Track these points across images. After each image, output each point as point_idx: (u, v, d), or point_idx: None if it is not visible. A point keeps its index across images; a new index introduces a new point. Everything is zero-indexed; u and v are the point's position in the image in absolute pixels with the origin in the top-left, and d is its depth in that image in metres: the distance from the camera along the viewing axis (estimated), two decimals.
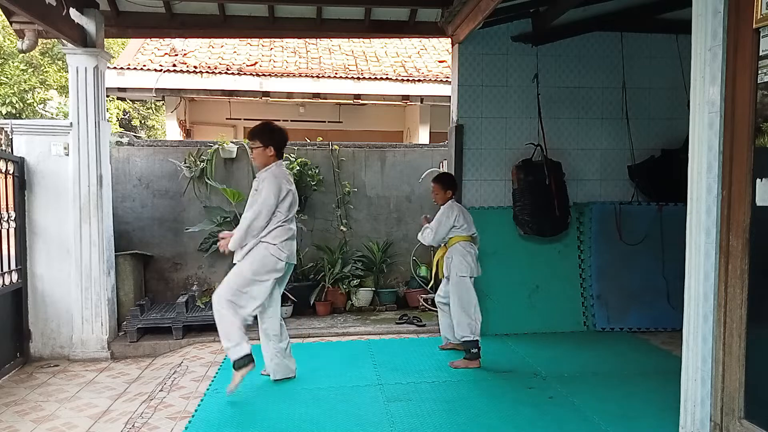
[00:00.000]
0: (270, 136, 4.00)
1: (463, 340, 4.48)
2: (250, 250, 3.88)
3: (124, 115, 16.34)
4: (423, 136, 9.67)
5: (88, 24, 5.17)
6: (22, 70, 13.59)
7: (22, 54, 9.74)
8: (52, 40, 8.90)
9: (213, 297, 3.95)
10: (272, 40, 10.08)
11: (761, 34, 2.34)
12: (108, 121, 5.59)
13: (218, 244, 4.08)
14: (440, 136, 8.26)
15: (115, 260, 5.59)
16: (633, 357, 4.81)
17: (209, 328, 5.54)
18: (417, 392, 3.98)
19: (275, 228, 3.90)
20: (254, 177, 6.33)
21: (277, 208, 3.88)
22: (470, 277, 4.51)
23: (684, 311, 2.70)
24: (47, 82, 14.30)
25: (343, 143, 6.96)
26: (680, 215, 2.80)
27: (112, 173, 5.73)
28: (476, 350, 4.47)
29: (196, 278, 6.48)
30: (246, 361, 3.87)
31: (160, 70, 8.47)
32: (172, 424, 3.52)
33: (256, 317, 4.09)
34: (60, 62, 14.09)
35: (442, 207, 4.67)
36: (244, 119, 10.21)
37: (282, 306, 4.46)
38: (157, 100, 10.51)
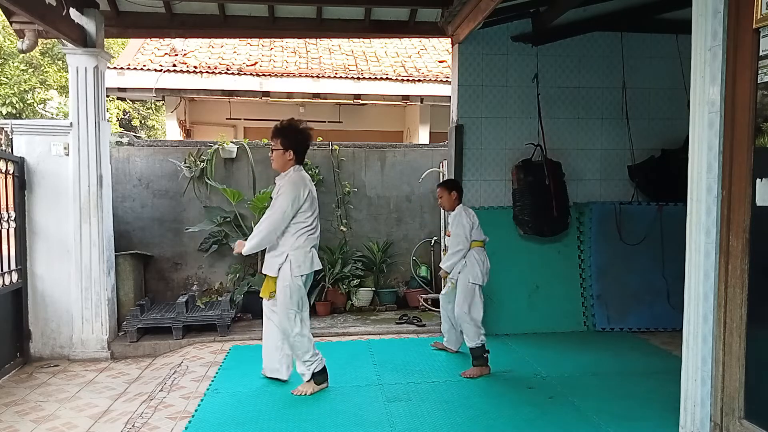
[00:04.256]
0: (293, 139, 3.85)
1: (473, 347, 4.36)
2: (280, 267, 3.83)
3: (124, 115, 16.33)
4: (423, 136, 9.67)
5: (88, 24, 5.17)
6: (22, 70, 13.59)
7: (22, 54, 9.73)
8: (52, 40, 8.89)
9: (281, 331, 3.96)
10: (272, 40, 10.08)
11: (761, 34, 2.34)
12: (108, 121, 5.59)
13: (234, 245, 4.08)
14: (440, 136, 8.27)
15: (115, 260, 5.59)
16: (633, 357, 4.81)
17: (209, 328, 5.55)
18: (417, 392, 3.98)
19: (297, 236, 3.82)
20: (254, 177, 6.45)
21: (296, 216, 3.79)
22: (479, 286, 4.45)
23: (684, 311, 2.70)
24: (47, 82, 14.29)
25: (343, 143, 6.96)
26: (680, 215, 2.81)
27: (112, 173, 5.73)
28: (486, 355, 4.38)
29: (196, 278, 6.48)
30: (325, 377, 4.03)
31: (160, 70, 8.46)
32: (172, 424, 3.52)
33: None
34: (60, 62, 14.09)
35: (452, 215, 4.60)
36: (244, 119, 10.20)
37: None
38: (157, 100, 10.50)
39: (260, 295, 4.06)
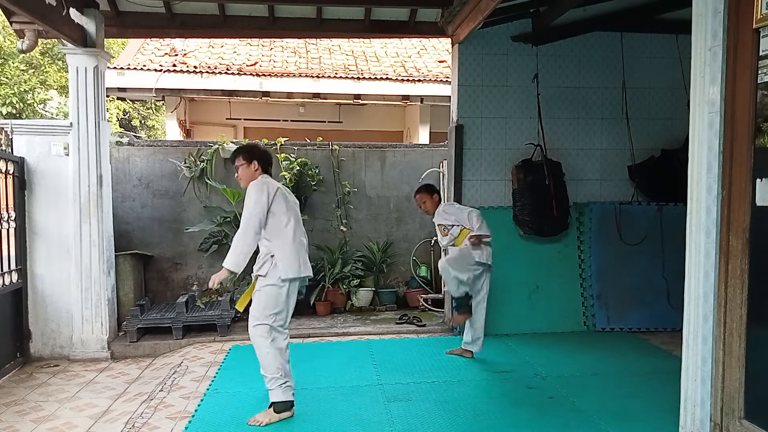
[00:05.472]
0: (254, 151, 3.67)
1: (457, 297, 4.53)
2: (263, 266, 3.50)
3: (124, 115, 16.32)
4: (423, 136, 9.67)
5: (88, 24, 5.17)
6: (22, 70, 13.58)
7: (22, 54, 9.72)
8: (52, 40, 8.89)
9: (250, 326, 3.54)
10: (272, 40, 10.07)
11: (761, 34, 2.33)
12: (108, 121, 5.59)
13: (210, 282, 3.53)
14: (440, 136, 8.26)
15: (115, 260, 5.59)
16: (633, 357, 4.81)
17: (209, 328, 5.56)
18: (417, 392, 3.98)
19: (280, 237, 3.49)
20: None
21: (270, 213, 3.48)
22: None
23: (684, 311, 2.70)
24: (47, 82, 14.29)
25: (343, 143, 6.96)
26: (680, 215, 2.81)
27: (112, 173, 5.73)
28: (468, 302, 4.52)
29: (196, 278, 6.48)
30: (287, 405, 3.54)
31: (160, 70, 8.46)
32: (172, 424, 3.52)
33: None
34: (60, 62, 14.08)
35: (447, 209, 4.67)
36: (244, 119, 10.20)
37: None
38: (157, 100, 10.51)
39: (235, 306, 3.72)
